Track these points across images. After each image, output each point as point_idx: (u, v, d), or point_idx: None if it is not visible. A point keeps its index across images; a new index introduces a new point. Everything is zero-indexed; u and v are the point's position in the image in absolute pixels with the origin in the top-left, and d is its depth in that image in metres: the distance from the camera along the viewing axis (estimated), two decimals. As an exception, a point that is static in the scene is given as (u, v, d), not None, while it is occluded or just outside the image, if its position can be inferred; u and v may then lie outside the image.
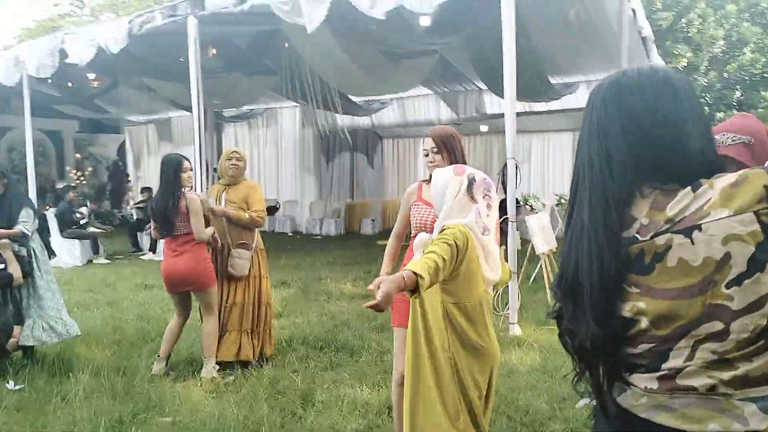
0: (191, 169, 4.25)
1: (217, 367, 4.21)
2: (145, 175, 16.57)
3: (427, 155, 2.86)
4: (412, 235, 2.90)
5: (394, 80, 10.74)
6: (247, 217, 4.34)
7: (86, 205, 10.68)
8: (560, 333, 1.26)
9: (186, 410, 3.58)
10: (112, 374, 4.12)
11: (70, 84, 12.78)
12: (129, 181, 16.57)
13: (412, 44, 9.19)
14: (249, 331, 4.38)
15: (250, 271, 4.37)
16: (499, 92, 10.90)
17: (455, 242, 2.22)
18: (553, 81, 10.57)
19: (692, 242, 1.05)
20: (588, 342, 1.17)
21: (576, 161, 1.24)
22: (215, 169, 15.13)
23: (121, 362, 4.42)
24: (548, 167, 14.26)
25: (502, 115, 12.60)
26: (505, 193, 5.29)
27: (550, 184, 13.70)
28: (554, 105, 11.37)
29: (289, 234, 13.40)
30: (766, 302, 1.02)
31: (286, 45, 9.88)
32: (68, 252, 9.17)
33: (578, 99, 11.58)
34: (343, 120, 13.98)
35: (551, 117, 12.75)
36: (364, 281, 7.43)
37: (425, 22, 8.55)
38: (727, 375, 1.06)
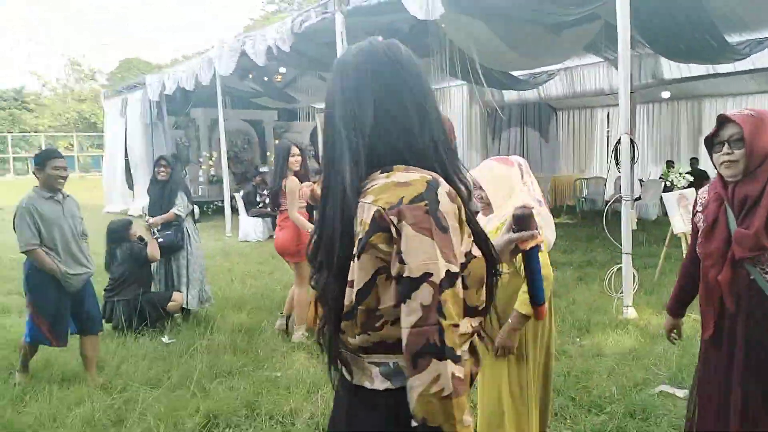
0: (299, 155, 4.82)
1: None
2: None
3: None
4: None
5: (555, 50, 10.39)
6: None
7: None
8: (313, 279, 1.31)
9: (283, 367, 4.17)
10: (239, 333, 4.89)
11: (265, 78, 14.60)
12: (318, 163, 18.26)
13: (567, 12, 8.83)
14: None
15: None
16: (668, 54, 9.96)
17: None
18: (739, 39, 9.33)
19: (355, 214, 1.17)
20: (328, 296, 1.22)
21: (329, 123, 1.24)
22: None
23: (252, 323, 5.19)
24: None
25: (684, 80, 11.57)
26: (619, 170, 5.04)
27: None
28: (743, 65, 10.01)
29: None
30: (360, 284, 1.13)
31: (443, 26, 10.15)
32: (253, 228, 10.55)
33: (773, 56, 10.05)
34: (510, 95, 13.83)
35: (752, 77, 11.21)
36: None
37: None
38: (353, 340, 1.20)
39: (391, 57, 1.22)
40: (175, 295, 5.20)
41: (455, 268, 1.10)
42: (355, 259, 1.14)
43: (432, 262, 1.07)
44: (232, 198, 11.69)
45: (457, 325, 1.09)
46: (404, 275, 1.08)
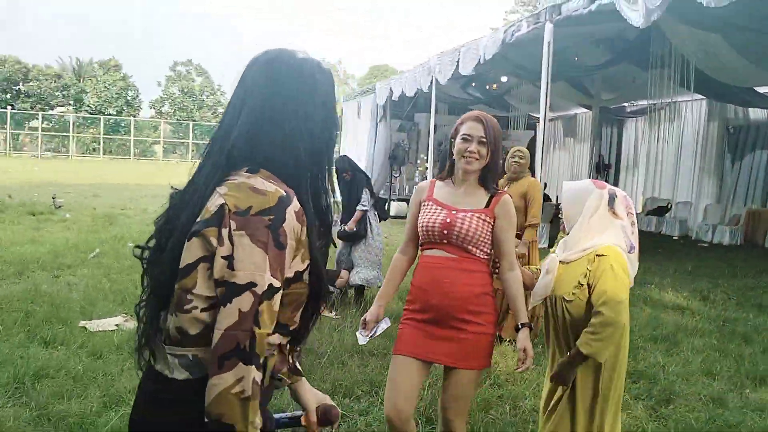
0: None
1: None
2: (549, 168, 17.59)
3: (468, 140, 2.37)
4: (420, 244, 2.52)
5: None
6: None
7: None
8: (145, 261, 1.33)
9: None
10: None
11: (487, 87, 14.91)
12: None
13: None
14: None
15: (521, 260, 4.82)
16: None
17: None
18: None
19: None
20: (160, 277, 1.26)
21: (230, 108, 1.30)
22: (608, 165, 15.14)
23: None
24: None
25: None
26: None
27: None
28: None
29: (675, 238, 12.43)
30: (183, 263, 1.18)
31: (669, 36, 9.39)
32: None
33: None
34: (757, 114, 12.17)
35: None
36: (694, 293, 6.75)
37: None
38: (165, 323, 1.25)
39: (304, 76, 1.29)
40: (342, 272, 5.80)
41: (278, 284, 1.16)
42: (186, 239, 1.20)
43: (259, 273, 1.13)
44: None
45: (269, 335, 1.16)
46: (230, 280, 1.13)
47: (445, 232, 2.37)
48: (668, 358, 4.55)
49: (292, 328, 1.30)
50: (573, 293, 2.34)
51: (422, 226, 2.43)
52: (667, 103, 13.73)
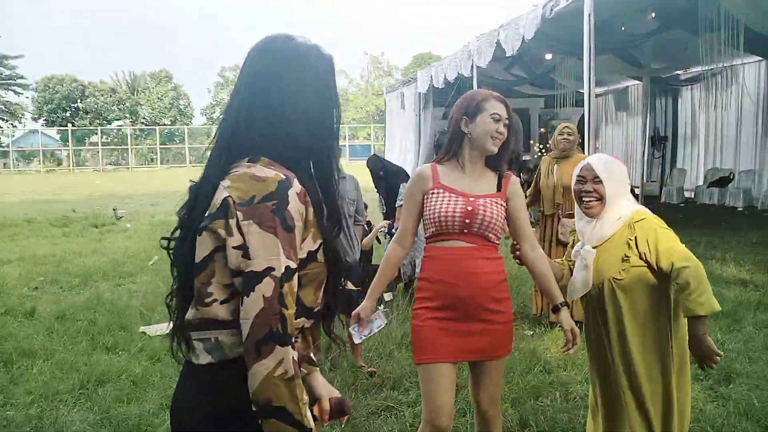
0: None
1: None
2: (602, 144, 17.08)
3: (498, 120, 2.28)
4: (427, 236, 2.35)
5: None
6: None
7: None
8: (171, 252, 1.36)
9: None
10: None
11: (531, 66, 14.58)
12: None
13: None
14: None
15: None
16: None
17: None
18: None
19: None
20: (183, 269, 1.32)
21: (231, 101, 1.35)
22: (664, 137, 14.58)
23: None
24: None
25: None
26: None
27: None
28: None
29: (739, 209, 11.85)
30: (198, 258, 1.22)
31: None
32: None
33: None
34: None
35: None
36: (758, 266, 6.43)
37: None
38: (187, 316, 1.28)
39: (298, 60, 1.30)
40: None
41: (294, 264, 1.19)
42: (197, 234, 1.24)
43: (275, 257, 1.16)
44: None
45: (293, 314, 1.18)
46: (248, 269, 1.16)
47: (467, 221, 2.24)
48: (728, 335, 4.36)
49: (316, 310, 1.33)
50: (622, 270, 2.26)
51: (437, 216, 2.27)
52: (723, 67, 13.08)
